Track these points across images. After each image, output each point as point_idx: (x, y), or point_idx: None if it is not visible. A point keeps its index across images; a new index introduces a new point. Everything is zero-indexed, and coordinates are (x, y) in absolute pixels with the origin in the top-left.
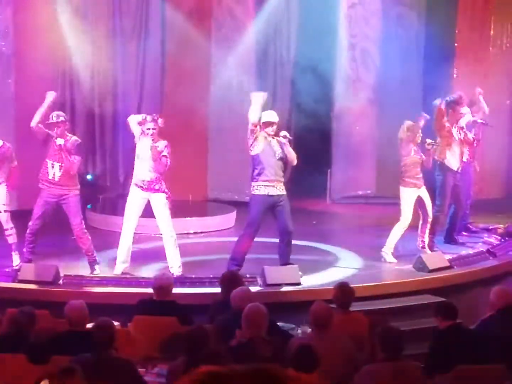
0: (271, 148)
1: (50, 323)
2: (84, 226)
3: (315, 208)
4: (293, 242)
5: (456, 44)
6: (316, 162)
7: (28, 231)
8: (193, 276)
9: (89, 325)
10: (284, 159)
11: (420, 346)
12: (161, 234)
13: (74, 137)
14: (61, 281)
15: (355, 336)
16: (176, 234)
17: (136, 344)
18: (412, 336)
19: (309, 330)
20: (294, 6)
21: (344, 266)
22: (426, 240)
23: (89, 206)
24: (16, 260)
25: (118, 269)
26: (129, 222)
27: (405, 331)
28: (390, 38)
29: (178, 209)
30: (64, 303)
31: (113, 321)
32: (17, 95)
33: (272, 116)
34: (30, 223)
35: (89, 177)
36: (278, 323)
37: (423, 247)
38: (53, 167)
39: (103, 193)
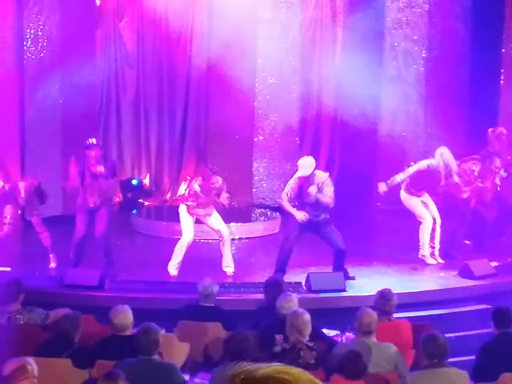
0: (307, 194)
1: (95, 327)
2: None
3: (360, 215)
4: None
5: (503, 50)
6: (361, 170)
7: (75, 239)
8: (238, 282)
9: (134, 330)
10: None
11: (465, 353)
12: (204, 239)
13: (112, 159)
14: (106, 286)
15: (400, 343)
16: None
17: (180, 349)
18: (457, 343)
19: (353, 336)
20: (340, 10)
21: (389, 273)
22: (437, 246)
23: (134, 211)
24: (53, 262)
25: (174, 271)
26: (191, 227)
27: (450, 338)
28: (436, 48)
29: (223, 215)
30: (109, 308)
31: (158, 326)
32: (63, 100)
33: (305, 169)
34: (76, 233)
35: (134, 182)
36: (322, 329)
37: (433, 254)
38: (92, 195)
39: (148, 198)
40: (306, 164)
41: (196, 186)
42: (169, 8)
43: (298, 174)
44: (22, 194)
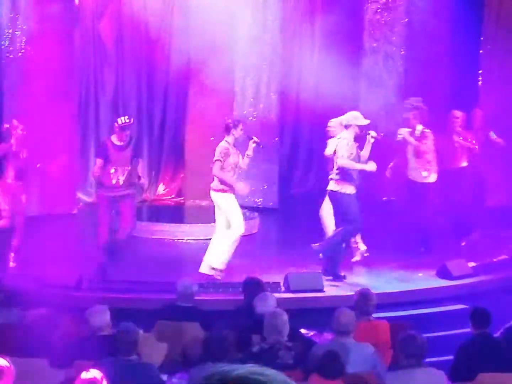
0: (358, 153)
1: (73, 327)
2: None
3: None
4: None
5: (481, 51)
6: None
7: (102, 241)
8: (216, 281)
9: (112, 330)
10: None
11: (443, 353)
12: (181, 239)
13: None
14: (84, 286)
15: (378, 343)
16: (200, 239)
17: (158, 349)
18: (435, 343)
19: (331, 336)
20: (318, 11)
21: (367, 273)
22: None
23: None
24: (13, 261)
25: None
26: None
27: (428, 338)
28: (414, 49)
29: (202, 215)
30: (87, 308)
31: (136, 326)
32: (42, 100)
33: (361, 119)
34: (101, 232)
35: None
36: (301, 330)
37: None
38: (116, 172)
39: None
40: (358, 114)
41: (224, 144)
42: (147, 8)
43: (350, 132)
44: (19, 129)
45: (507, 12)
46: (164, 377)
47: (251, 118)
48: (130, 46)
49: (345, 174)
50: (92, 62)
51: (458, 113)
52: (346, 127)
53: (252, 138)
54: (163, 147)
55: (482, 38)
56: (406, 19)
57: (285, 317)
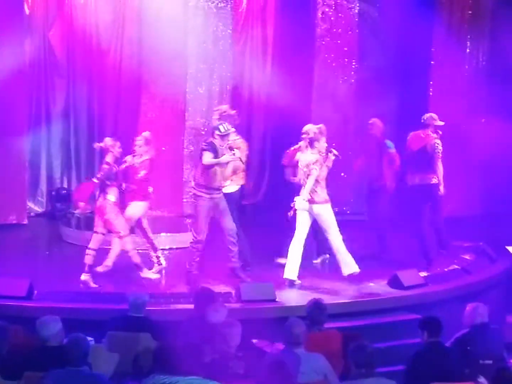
0: None
1: (23, 338)
2: None
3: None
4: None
5: (432, 62)
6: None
7: (196, 247)
8: (167, 292)
9: (63, 341)
10: None
11: (395, 363)
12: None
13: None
14: (35, 296)
15: (329, 353)
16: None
17: (109, 359)
18: (386, 353)
19: (282, 346)
20: (270, 20)
21: (319, 283)
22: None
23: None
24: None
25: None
26: None
27: (379, 348)
28: (366, 60)
29: (153, 225)
30: (37, 319)
31: (87, 337)
32: None
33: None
34: (198, 238)
35: (64, 192)
36: (252, 340)
37: None
38: (222, 173)
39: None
40: (436, 116)
41: (317, 157)
42: (99, 17)
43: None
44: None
45: (457, 24)
46: None
47: (202, 126)
48: (81, 56)
49: None
50: (42, 71)
51: (313, 129)
52: (428, 126)
53: (332, 151)
54: None
55: (433, 49)
56: (357, 31)
57: (236, 327)
